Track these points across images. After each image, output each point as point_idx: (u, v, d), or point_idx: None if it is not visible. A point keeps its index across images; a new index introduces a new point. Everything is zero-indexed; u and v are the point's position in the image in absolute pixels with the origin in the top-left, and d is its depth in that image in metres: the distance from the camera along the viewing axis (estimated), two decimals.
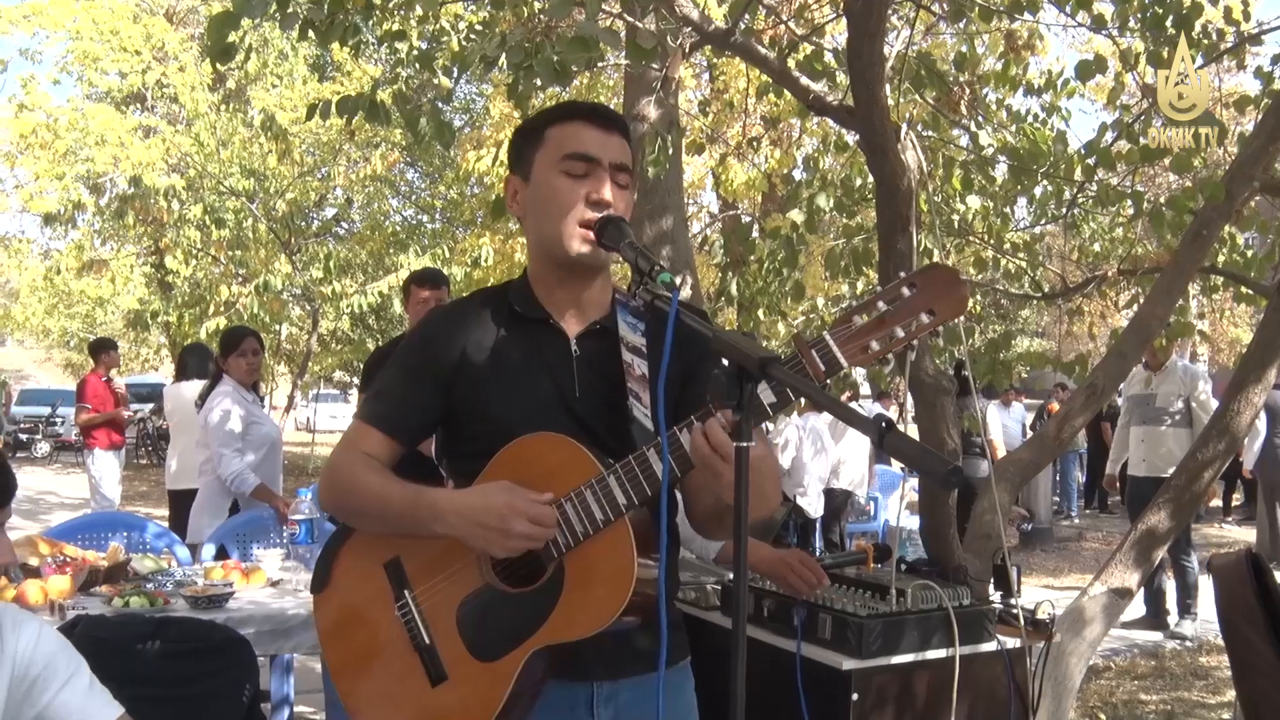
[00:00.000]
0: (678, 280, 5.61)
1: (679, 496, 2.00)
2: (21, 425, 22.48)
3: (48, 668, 1.98)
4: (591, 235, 1.88)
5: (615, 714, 1.93)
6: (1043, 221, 6.17)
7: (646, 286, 1.77)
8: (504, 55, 3.14)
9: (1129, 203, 4.86)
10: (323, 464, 2.16)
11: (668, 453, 1.74)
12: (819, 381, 1.68)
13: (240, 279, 14.00)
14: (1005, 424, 11.14)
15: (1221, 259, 5.43)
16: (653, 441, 1.76)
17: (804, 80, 3.65)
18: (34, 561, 3.97)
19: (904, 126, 3.47)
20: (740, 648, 1.54)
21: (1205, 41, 4.68)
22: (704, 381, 1.95)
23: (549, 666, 1.87)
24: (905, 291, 1.65)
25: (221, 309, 12.91)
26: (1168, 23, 4.30)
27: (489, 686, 1.85)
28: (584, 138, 1.91)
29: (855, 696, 3.00)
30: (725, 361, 1.65)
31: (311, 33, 3.70)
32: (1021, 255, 5.85)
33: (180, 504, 7.15)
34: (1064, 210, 5.57)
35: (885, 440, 1.31)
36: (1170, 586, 7.77)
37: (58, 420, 21.70)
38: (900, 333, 1.65)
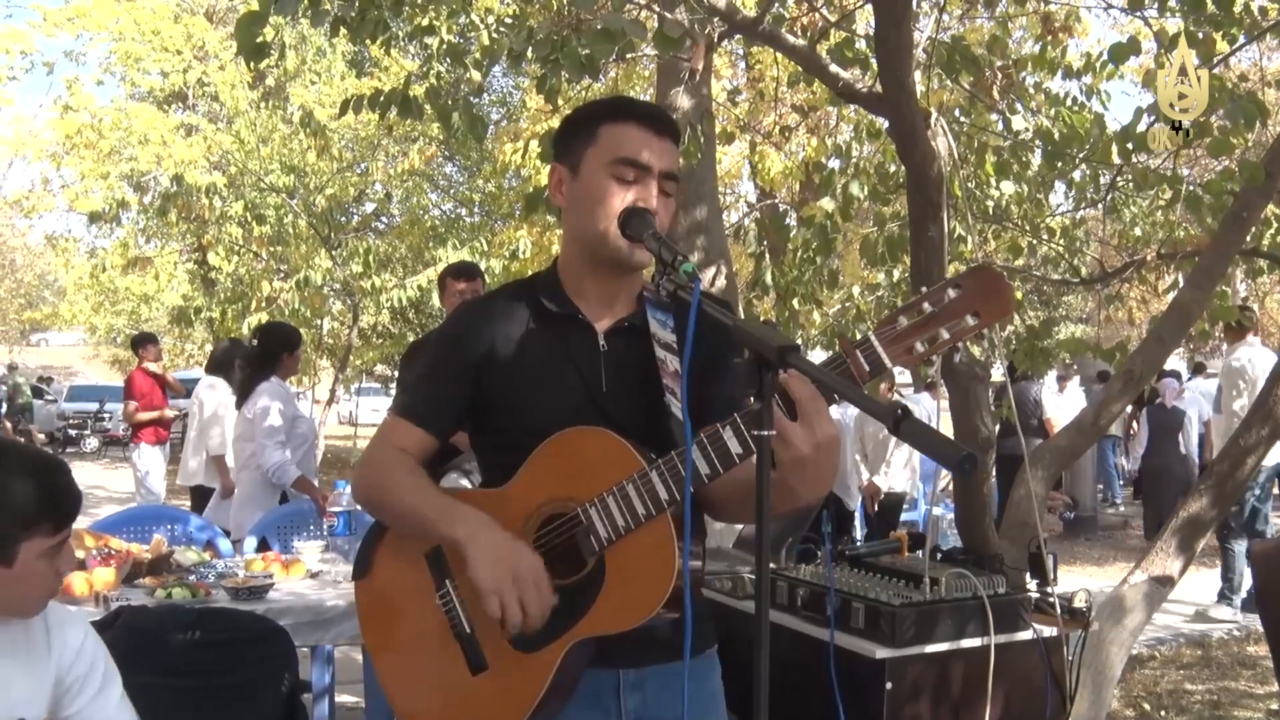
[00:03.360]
0: (710, 272, 5.58)
1: None
2: (70, 421, 22.86)
3: (88, 674, 2.02)
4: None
5: (641, 701, 1.94)
6: (1082, 206, 6.10)
7: (669, 277, 1.78)
8: (531, 48, 3.16)
9: (1167, 186, 4.78)
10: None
11: (691, 445, 1.74)
12: (862, 381, 1.68)
13: (281, 274, 14.10)
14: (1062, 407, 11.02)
15: (1267, 241, 5.34)
16: (692, 437, 1.76)
17: (833, 67, 3.63)
18: (80, 554, 4.05)
19: (934, 112, 3.44)
20: (763, 634, 1.54)
21: (1247, 20, 4.60)
22: (727, 370, 1.97)
23: (589, 659, 1.88)
24: (950, 293, 1.65)
25: (263, 304, 13.03)
26: (1209, 2, 4.23)
27: (529, 677, 1.86)
28: (638, 144, 1.91)
29: (889, 685, 3.00)
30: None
31: (343, 29, 3.73)
32: (1058, 241, 5.78)
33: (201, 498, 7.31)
34: (1103, 195, 5.50)
35: (901, 427, 1.31)
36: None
37: (105, 416, 22.05)
38: (945, 334, 1.65)
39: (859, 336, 1.70)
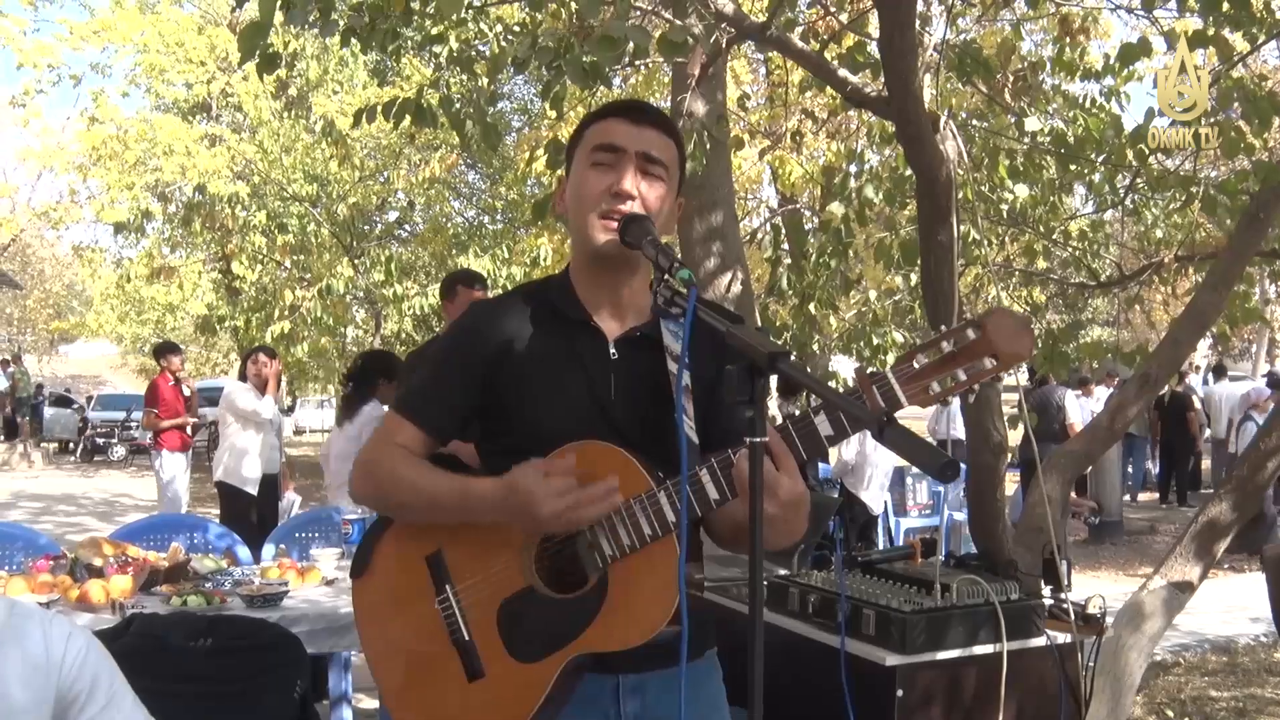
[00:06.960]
0: (725, 277, 5.54)
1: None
2: (98, 430, 23.07)
3: (91, 688, 2.01)
4: (613, 225, 1.87)
5: (641, 705, 1.93)
6: (1103, 209, 6.06)
7: (666, 283, 1.77)
8: (534, 56, 3.16)
9: (1183, 188, 4.74)
10: None
11: (685, 451, 1.74)
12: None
13: (304, 283, 14.20)
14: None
15: None
16: (704, 461, 1.77)
17: (841, 71, 3.62)
18: (98, 562, 4.08)
19: (943, 116, 3.42)
20: (757, 642, 1.54)
21: (1268, 19, 4.56)
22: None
23: (587, 668, 1.88)
24: (970, 334, 1.63)
25: (286, 313, 13.12)
26: (1224, 2, 4.19)
27: (525, 688, 1.86)
28: (612, 130, 1.92)
29: (900, 693, 2.98)
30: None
31: (354, 38, 3.75)
32: (1074, 244, 5.74)
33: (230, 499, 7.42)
34: (1121, 197, 5.46)
35: (884, 433, 1.30)
36: None
37: (132, 424, 22.21)
38: (962, 376, 1.64)
39: (874, 371, 1.69)
